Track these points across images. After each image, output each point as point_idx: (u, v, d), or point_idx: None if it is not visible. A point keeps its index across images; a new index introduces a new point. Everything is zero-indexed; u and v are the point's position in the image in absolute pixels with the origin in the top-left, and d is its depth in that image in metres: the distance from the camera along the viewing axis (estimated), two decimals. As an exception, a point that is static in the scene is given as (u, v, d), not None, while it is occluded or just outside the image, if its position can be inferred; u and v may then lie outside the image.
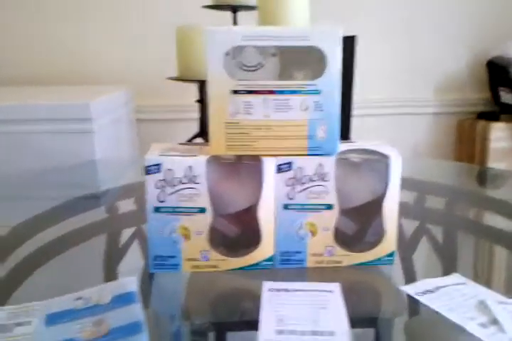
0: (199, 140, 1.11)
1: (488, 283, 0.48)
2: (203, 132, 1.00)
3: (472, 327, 0.39)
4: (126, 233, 0.63)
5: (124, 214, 0.71)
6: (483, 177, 0.99)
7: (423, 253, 0.58)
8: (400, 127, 1.71)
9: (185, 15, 1.27)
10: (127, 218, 0.69)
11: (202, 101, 0.97)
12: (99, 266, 0.54)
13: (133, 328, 0.37)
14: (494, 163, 1.56)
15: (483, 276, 0.54)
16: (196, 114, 1.23)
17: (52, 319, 0.40)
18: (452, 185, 0.88)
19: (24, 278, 0.50)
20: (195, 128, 1.17)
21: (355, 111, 1.20)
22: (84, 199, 0.77)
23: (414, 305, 0.45)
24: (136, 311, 0.39)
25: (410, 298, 0.45)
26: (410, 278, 0.50)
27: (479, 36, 1.69)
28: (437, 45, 1.68)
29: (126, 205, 0.74)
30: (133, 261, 0.55)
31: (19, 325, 0.39)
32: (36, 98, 1.13)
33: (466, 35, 1.69)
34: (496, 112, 1.64)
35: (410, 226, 0.63)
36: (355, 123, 1.21)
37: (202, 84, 0.94)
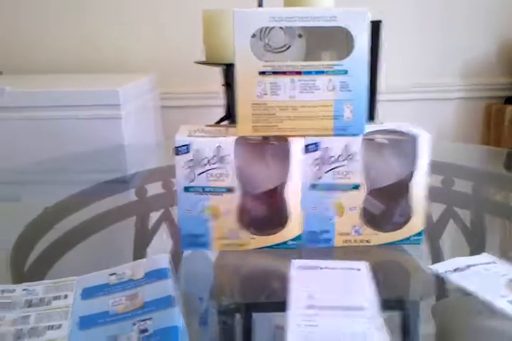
0: (225, 123, 1.12)
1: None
2: (229, 116, 1.01)
3: (502, 304, 0.39)
4: (155, 215, 0.64)
5: (152, 197, 0.73)
6: (511, 160, 0.97)
7: (450, 236, 0.58)
8: (427, 112, 1.68)
9: (209, 1, 1.27)
10: (156, 201, 0.70)
11: (228, 84, 0.97)
12: (128, 247, 0.56)
13: (166, 302, 0.38)
14: (522, 148, 1.53)
15: (510, 259, 0.53)
16: (218, 101, 1.23)
17: (88, 293, 0.41)
18: (480, 168, 0.87)
19: (57, 259, 0.52)
20: (216, 114, 1.18)
21: (381, 96, 1.19)
22: (115, 183, 0.79)
23: (442, 284, 0.45)
24: (168, 286, 0.40)
25: (438, 277, 0.45)
26: (437, 259, 0.50)
27: (508, 19, 1.64)
28: (465, 29, 1.64)
29: (154, 188, 0.75)
30: (161, 243, 0.56)
31: (56, 298, 0.41)
32: (67, 85, 1.15)
33: (496, 18, 1.65)
34: (525, 97, 1.61)
35: (437, 209, 0.63)
36: (380, 108, 1.20)
37: (228, 68, 0.94)
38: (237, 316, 0.43)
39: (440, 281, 0.45)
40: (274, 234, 0.50)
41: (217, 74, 1.25)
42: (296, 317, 0.38)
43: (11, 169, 0.86)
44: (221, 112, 1.16)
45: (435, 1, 1.62)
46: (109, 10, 1.53)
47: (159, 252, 0.49)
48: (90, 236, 0.58)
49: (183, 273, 0.49)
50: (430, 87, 1.67)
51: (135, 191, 0.76)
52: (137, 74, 1.31)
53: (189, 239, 0.50)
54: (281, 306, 0.42)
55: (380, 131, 0.52)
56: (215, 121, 1.14)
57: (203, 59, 0.99)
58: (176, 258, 0.50)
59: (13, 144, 1.02)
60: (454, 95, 1.70)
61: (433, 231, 0.56)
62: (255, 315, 0.43)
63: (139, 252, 0.55)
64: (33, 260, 0.51)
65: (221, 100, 1.21)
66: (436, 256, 0.52)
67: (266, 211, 0.52)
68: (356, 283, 0.43)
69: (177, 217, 0.50)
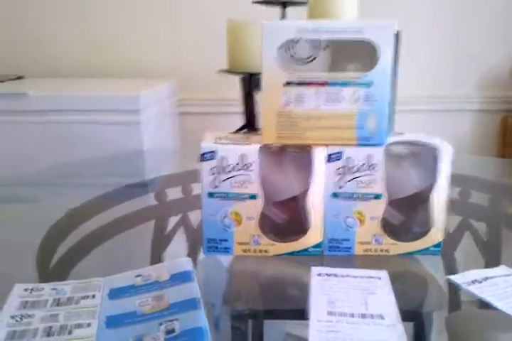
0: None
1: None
2: (251, 124, 1.02)
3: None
4: (173, 220, 0.65)
5: (171, 201, 0.74)
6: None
7: (465, 248, 0.58)
8: (442, 123, 1.68)
9: (231, 10, 1.29)
10: (174, 206, 0.71)
11: (250, 93, 0.99)
12: (145, 251, 0.56)
13: (191, 304, 0.39)
14: (538, 162, 1.52)
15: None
16: (234, 108, 1.24)
17: (115, 293, 0.42)
18: (496, 181, 0.87)
19: (76, 262, 0.53)
20: (233, 122, 1.19)
21: (397, 106, 1.20)
22: (135, 187, 0.80)
23: (456, 297, 0.45)
24: (193, 289, 0.41)
25: (453, 289, 0.45)
26: (452, 271, 0.51)
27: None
28: (483, 40, 1.65)
29: (172, 193, 0.76)
30: (178, 248, 0.57)
31: (84, 298, 0.42)
32: (88, 89, 1.17)
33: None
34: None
35: (454, 221, 0.63)
36: (396, 118, 1.21)
37: (251, 77, 0.96)
38: (250, 322, 0.44)
39: (454, 293, 0.46)
40: (294, 240, 0.51)
41: (234, 81, 1.27)
42: (317, 323, 0.38)
43: (32, 173, 0.88)
44: (237, 120, 1.17)
45: (453, 12, 1.62)
46: (131, 15, 1.56)
47: (175, 257, 0.49)
48: (110, 238, 0.59)
49: (198, 277, 0.50)
50: (446, 99, 1.67)
51: (155, 195, 0.78)
52: (157, 80, 1.33)
53: (211, 244, 0.51)
54: (293, 314, 0.43)
55: (402, 142, 0.52)
56: (232, 128, 1.15)
57: (221, 66, 1.01)
58: (193, 262, 0.51)
59: (34, 147, 1.04)
60: (470, 107, 1.70)
61: (448, 242, 0.56)
62: (266, 322, 0.44)
63: (156, 256, 0.56)
64: (56, 261, 0.52)
65: (237, 107, 1.22)
66: (451, 268, 0.52)
67: (287, 218, 0.53)
68: (377, 292, 0.43)
69: (200, 221, 0.51)
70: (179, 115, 1.53)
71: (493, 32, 1.65)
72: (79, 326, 0.38)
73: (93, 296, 0.42)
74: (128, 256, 0.56)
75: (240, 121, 1.15)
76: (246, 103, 1.00)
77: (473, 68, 1.68)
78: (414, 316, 0.44)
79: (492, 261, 0.54)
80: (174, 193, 0.76)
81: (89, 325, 0.38)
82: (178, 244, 0.59)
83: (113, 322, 0.38)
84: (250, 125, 1.00)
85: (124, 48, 1.57)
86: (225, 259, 0.52)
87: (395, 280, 0.47)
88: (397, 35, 1.15)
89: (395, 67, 1.13)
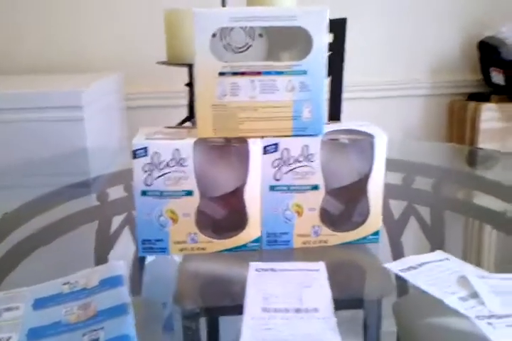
0: (188, 124, 1.11)
1: (474, 261, 0.48)
2: (192, 116, 1.00)
3: (452, 301, 0.40)
4: (117, 219, 0.63)
5: (114, 200, 0.71)
6: (473, 157, 0.99)
7: (411, 233, 0.58)
8: (391, 109, 1.70)
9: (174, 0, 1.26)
10: (118, 205, 0.69)
11: (191, 85, 0.96)
12: (90, 252, 0.54)
13: (119, 310, 0.37)
14: (484, 144, 1.56)
15: (470, 255, 0.54)
16: (185, 100, 1.22)
17: (40, 303, 0.40)
18: (442, 165, 0.88)
19: (15, 266, 0.50)
20: (184, 114, 1.17)
21: (346, 94, 1.20)
22: (75, 187, 0.77)
23: (403, 282, 0.45)
24: (122, 293, 0.39)
25: (395, 275, 0.45)
26: (398, 257, 0.51)
27: (471, 17, 1.68)
28: (428, 26, 1.67)
29: (116, 192, 0.74)
30: (124, 247, 0.55)
31: (8, 310, 0.39)
32: (28, 86, 1.12)
33: (458, 16, 1.68)
34: (486, 93, 1.64)
35: (399, 206, 0.64)
36: (346, 106, 1.21)
37: (191, 68, 0.93)
38: (201, 320, 0.42)
39: (401, 279, 0.46)
40: (233, 236, 0.50)
41: (181, 73, 1.24)
42: (250, 321, 0.37)
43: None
44: (187, 110, 1.15)
45: None
46: (73, 9, 1.50)
47: (121, 258, 0.47)
48: (49, 243, 0.56)
49: (146, 278, 0.48)
50: (394, 84, 1.69)
51: (97, 195, 0.75)
52: (101, 74, 1.29)
53: (147, 244, 0.49)
54: (240, 309, 0.41)
55: (340, 130, 0.52)
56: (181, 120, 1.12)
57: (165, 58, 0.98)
58: (138, 263, 0.49)
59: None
60: (418, 92, 1.72)
61: (394, 228, 0.56)
62: (220, 319, 0.42)
63: (101, 258, 0.53)
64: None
65: (186, 99, 1.19)
66: (398, 254, 0.52)
67: (225, 213, 0.51)
68: (313, 285, 0.42)
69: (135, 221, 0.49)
70: (128, 109, 1.48)
71: (442, 18, 1.67)
72: (-1, 341, 0.35)
73: (17, 308, 0.39)
74: (70, 260, 0.53)
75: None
76: (189, 95, 0.98)
77: (422, 53, 1.70)
78: (362, 303, 0.44)
79: (436, 244, 0.55)
80: (118, 192, 0.73)
81: (9, 339, 0.35)
82: (125, 244, 0.56)
83: (35, 334, 0.36)
84: (193, 117, 0.98)
85: (68, 43, 1.51)
86: (173, 258, 0.50)
87: (340, 270, 0.46)
88: (343, 22, 1.14)
89: (342, 55, 1.13)
